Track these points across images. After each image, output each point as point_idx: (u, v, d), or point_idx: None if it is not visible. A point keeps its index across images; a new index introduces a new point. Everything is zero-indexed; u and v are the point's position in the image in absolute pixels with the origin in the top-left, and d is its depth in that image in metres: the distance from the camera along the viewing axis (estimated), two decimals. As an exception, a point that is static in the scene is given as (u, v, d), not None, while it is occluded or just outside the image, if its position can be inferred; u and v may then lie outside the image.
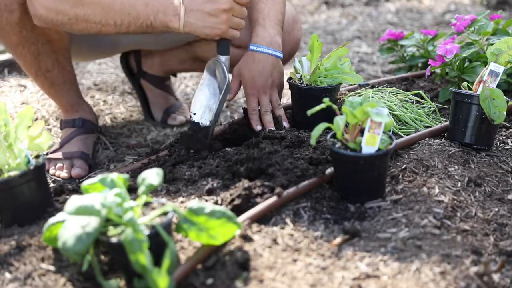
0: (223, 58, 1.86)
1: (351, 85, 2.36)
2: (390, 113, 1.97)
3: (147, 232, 1.27)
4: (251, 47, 1.93)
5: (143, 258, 1.21)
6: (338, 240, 1.44)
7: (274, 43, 1.92)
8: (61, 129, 2.26)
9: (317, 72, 1.91)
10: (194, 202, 1.37)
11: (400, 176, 1.66)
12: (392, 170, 1.68)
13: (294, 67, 1.97)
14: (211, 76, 1.91)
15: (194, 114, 1.87)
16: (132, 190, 1.61)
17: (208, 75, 1.91)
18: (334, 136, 1.58)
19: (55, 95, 2.20)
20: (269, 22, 1.93)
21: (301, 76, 1.96)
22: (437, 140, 1.84)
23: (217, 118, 1.86)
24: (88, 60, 2.80)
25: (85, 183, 1.39)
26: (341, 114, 1.53)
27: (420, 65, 2.58)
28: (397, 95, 2.11)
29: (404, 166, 1.68)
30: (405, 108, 2.04)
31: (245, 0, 1.80)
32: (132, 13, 1.77)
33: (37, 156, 1.58)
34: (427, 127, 1.96)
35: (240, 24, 1.82)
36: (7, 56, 3.27)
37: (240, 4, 1.80)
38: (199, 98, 1.88)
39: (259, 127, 1.93)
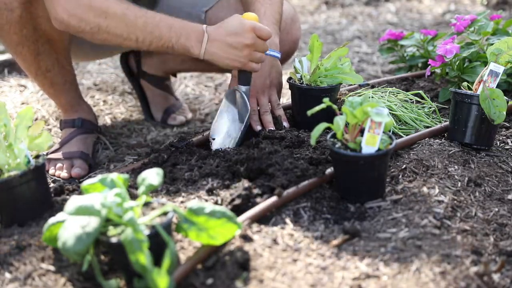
0: (243, 88, 1.86)
1: (351, 85, 2.36)
2: (390, 113, 1.97)
3: (147, 232, 1.27)
4: None
5: (143, 258, 1.21)
6: (338, 240, 1.44)
7: (272, 43, 1.92)
8: (61, 129, 2.26)
9: (317, 72, 1.91)
10: (194, 202, 1.37)
11: (400, 176, 1.66)
12: (392, 170, 1.68)
13: (294, 67, 1.97)
14: (231, 103, 1.93)
15: (214, 139, 1.90)
16: (132, 187, 1.61)
17: (227, 103, 1.93)
18: (334, 136, 1.58)
19: (55, 94, 2.20)
20: (266, 22, 1.92)
21: (301, 76, 1.96)
22: (437, 140, 1.84)
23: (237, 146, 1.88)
24: (89, 60, 2.80)
25: (85, 183, 1.39)
26: (341, 114, 1.53)
27: (420, 65, 2.58)
28: (397, 95, 2.11)
29: (404, 166, 1.68)
30: (405, 108, 2.04)
31: (268, 35, 1.79)
32: (154, 33, 1.78)
33: (37, 156, 1.58)
34: (427, 127, 1.96)
35: (260, 59, 1.82)
36: (7, 56, 3.28)
37: (263, 39, 1.79)
38: (219, 124, 1.92)
39: (259, 127, 1.93)
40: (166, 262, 1.23)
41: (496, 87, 1.74)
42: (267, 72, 1.93)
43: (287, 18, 2.22)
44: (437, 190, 1.59)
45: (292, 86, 1.96)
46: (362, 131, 1.53)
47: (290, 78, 1.98)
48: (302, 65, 1.96)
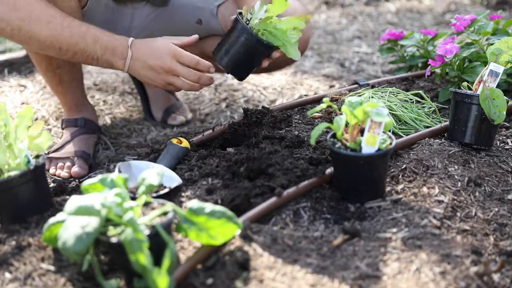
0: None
1: (351, 85, 2.37)
2: (390, 113, 1.97)
3: (147, 232, 1.27)
4: None
5: (143, 258, 1.21)
6: (338, 240, 1.44)
7: None
8: (62, 129, 2.26)
9: (267, 23, 1.82)
10: (194, 202, 1.37)
11: (400, 176, 1.66)
12: (392, 170, 1.68)
13: (252, 7, 1.87)
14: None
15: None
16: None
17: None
18: (334, 136, 1.58)
19: (62, 92, 2.21)
20: None
21: (250, 18, 1.85)
22: (437, 140, 1.84)
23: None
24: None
25: (85, 183, 1.39)
26: (341, 114, 1.53)
27: (420, 65, 2.58)
28: (397, 95, 2.11)
29: (404, 166, 1.68)
30: (405, 108, 2.04)
31: (192, 63, 1.80)
32: (80, 44, 1.77)
33: (37, 156, 1.58)
34: (427, 127, 1.96)
35: (182, 86, 1.84)
36: (7, 56, 3.28)
37: (184, 64, 1.80)
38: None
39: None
40: (166, 262, 1.23)
41: (496, 87, 1.74)
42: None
43: (300, 15, 2.24)
44: (437, 190, 1.59)
45: (235, 21, 1.87)
46: (362, 131, 1.53)
47: (240, 13, 1.87)
48: (261, 9, 1.84)
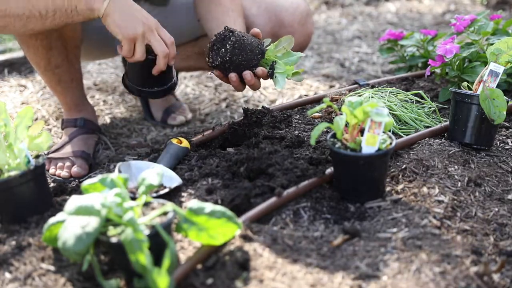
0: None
1: (351, 85, 2.37)
2: (390, 113, 1.97)
3: (147, 232, 1.27)
4: None
5: (143, 258, 1.21)
6: (338, 240, 1.44)
7: None
8: (62, 129, 2.26)
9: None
10: (194, 202, 1.37)
11: (400, 176, 1.66)
12: (392, 170, 1.68)
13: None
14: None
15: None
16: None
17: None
18: (334, 136, 1.58)
19: (61, 92, 2.21)
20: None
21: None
22: (437, 140, 1.84)
23: None
24: (94, 59, 2.80)
25: (85, 183, 1.39)
26: (341, 114, 1.53)
27: (420, 65, 2.58)
28: (397, 95, 2.11)
29: (404, 166, 1.68)
30: (405, 108, 2.04)
31: (167, 38, 1.76)
32: (57, 0, 1.71)
33: (37, 156, 1.58)
34: (427, 127, 1.96)
35: (140, 53, 1.74)
36: (7, 56, 3.28)
37: (161, 36, 1.76)
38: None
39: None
40: (166, 262, 1.23)
41: (496, 87, 1.74)
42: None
43: (303, 12, 2.30)
44: (437, 190, 1.59)
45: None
46: (362, 131, 1.53)
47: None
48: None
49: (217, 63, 1.82)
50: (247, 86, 1.88)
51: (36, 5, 1.72)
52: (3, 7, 1.69)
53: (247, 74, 1.81)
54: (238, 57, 1.80)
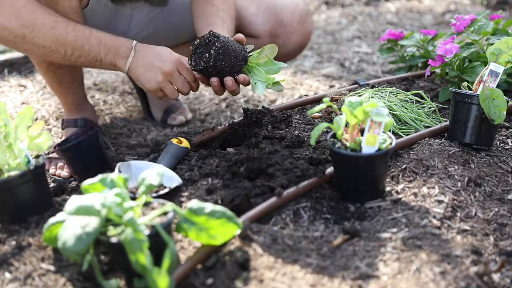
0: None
1: (351, 85, 2.37)
2: (390, 113, 1.97)
3: (147, 232, 1.27)
4: None
5: (143, 258, 1.21)
6: (338, 240, 1.44)
7: None
8: (62, 129, 2.26)
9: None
10: (194, 202, 1.37)
11: (400, 176, 1.66)
12: (392, 170, 1.68)
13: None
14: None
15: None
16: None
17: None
18: (334, 136, 1.58)
19: (62, 93, 2.21)
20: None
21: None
22: (437, 140, 1.84)
23: None
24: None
25: (85, 183, 1.39)
26: (341, 114, 1.53)
27: (420, 65, 2.58)
28: (397, 95, 2.11)
29: (404, 166, 1.68)
30: (405, 108, 2.04)
31: (188, 75, 1.85)
32: (85, 46, 1.79)
33: (37, 156, 1.58)
34: (427, 127, 1.96)
35: (172, 94, 1.87)
36: (7, 56, 3.28)
37: (183, 75, 1.84)
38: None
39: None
40: (166, 262, 1.23)
41: (496, 87, 1.74)
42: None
43: (302, 11, 2.31)
44: (437, 190, 1.59)
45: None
46: (362, 131, 1.53)
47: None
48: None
49: (200, 67, 1.82)
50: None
51: (64, 44, 1.78)
52: (31, 35, 1.74)
53: (229, 80, 1.82)
54: (221, 63, 1.79)
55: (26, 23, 1.72)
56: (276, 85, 1.85)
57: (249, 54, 1.87)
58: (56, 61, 1.86)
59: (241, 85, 1.86)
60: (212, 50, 1.78)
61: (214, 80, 1.83)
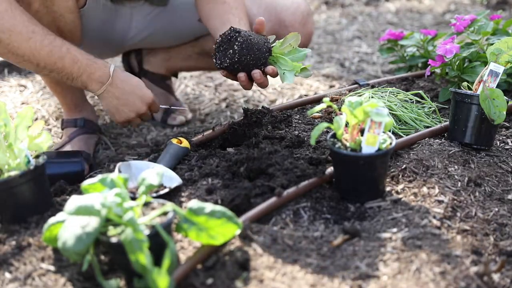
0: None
1: (351, 85, 2.37)
2: (390, 113, 1.97)
3: (147, 232, 1.27)
4: None
5: (143, 258, 1.21)
6: (338, 240, 1.44)
7: None
8: (62, 129, 2.26)
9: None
10: (194, 202, 1.37)
11: (400, 176, 1.66)
12: (392, 170, 1.68)
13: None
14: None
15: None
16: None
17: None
18: (334, 136, 1.58)
19: (61, 93, 2.21)
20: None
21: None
22: (437, 140, 1.84)
23: None
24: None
25: (85, 183, 1.39)
26: (341, 114, 1.53)
27: (420, 65, 2.58)
28: (397, 95, 2.11)
29: (404, 166, 1.68)
30: (405, 108, 2.04)
31: (156, 111, 1.99)
32: (58, 64, 1.78)
33: (37, 156, 1.58)
34: (427, 127, 1.96)
35: (136, 125, 2.01)
36: (7, 56, 3.26)
37: (152, 112, 1.97)
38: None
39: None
40: (166, 262, 1.23)
41: (496, 87, 1.74)
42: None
43: (304, 12, 2.32)
44: (437, 190, 1.59)
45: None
46: (362, 131, 1.53)
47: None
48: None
49: (226, 64, 1.81)
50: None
51: (37, 57, 1.77)
52: (7, 41, 1.72)
53: (257, 73, 1.82)
54: (246, 57, 1.79)
55: (4, 28, 1.70)
56: (304, 71, 1.84)
57: (272, 45, 1.87)
58: (29, 70, 1.86)
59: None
60: (235, 46, 1.78)
61: (242, 75, 1.83)
